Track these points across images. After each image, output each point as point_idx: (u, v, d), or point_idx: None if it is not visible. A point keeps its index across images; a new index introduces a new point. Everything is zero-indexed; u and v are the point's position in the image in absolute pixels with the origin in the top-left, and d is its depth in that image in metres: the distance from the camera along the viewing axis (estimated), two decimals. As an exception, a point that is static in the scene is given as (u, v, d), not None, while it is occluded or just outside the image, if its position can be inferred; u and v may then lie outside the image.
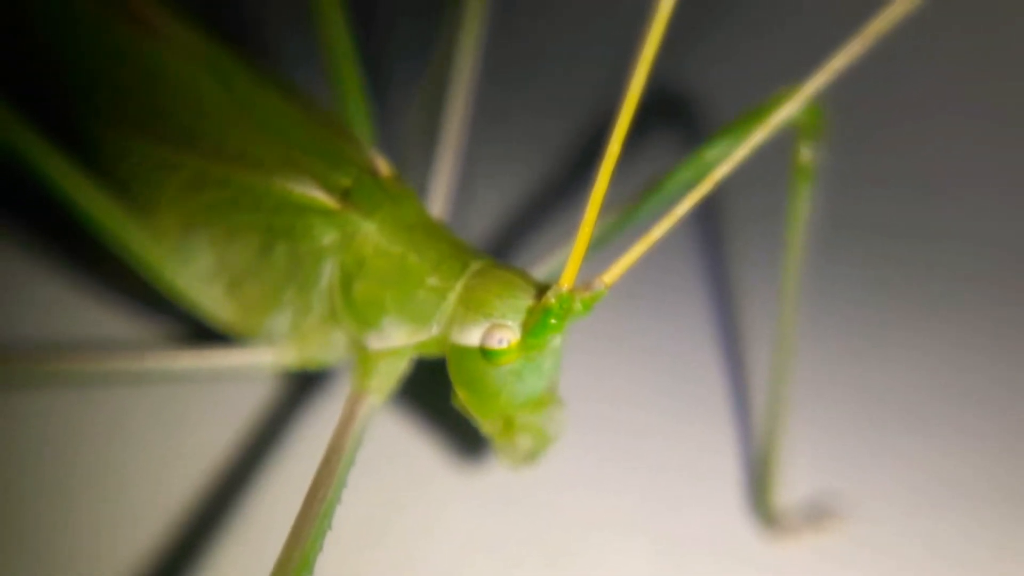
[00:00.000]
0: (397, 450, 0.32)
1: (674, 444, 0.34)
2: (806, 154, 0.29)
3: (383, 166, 0.28)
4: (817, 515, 0.32)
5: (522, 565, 0.30)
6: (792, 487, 0.32)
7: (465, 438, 0.32)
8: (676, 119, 0.44)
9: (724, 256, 0.41)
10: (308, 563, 0.22)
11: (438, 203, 0.33)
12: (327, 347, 0.28)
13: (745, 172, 0.21)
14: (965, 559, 0.31)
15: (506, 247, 0.40)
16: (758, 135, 0.22)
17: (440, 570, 0.30)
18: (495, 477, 0.32)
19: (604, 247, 0.29)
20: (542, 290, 0.25)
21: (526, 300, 0.24)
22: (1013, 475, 0.34)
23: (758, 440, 0.34)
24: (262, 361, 0.30)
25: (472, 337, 0.24)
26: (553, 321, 0.23)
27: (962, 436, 0.35)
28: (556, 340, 0.25)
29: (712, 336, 0.38)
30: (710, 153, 0.29)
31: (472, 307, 0.25)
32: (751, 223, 0.39)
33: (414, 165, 0.34)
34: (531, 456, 0.26)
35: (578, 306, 0.23)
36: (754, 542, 0.31)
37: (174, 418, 0.33)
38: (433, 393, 0.31)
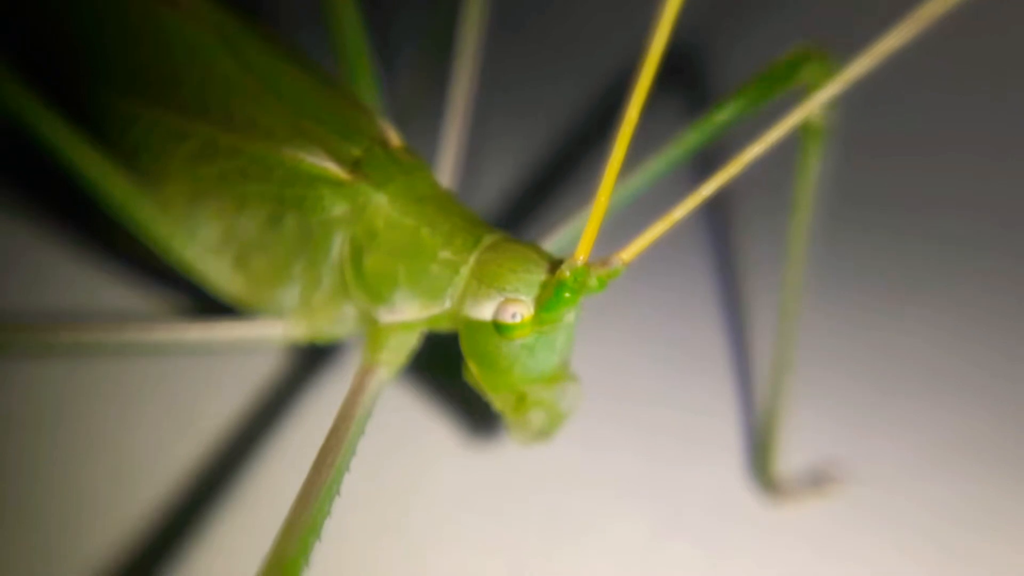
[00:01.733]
0: (407, 423, 0.32)
1: (677, 411, 0.34)
2: (816, 114, 0.29)
3: (394, 137, 0.28)
4: (817, 480, 0.32)
5: (527, 531, 0.30)
6: (793, 452, 0.32)
7: (476, 413, 0.32)
8: (684, 81, 0.44)
9: (729, 223, 0.40)
10: (316, 527, 0.22)
11: (446, 173, 0.32)
12: (337, 320, 0.28)
13: (754, 136, 0.21)
14: (963, 522, 0.31)
15: (515, 218, 0.39)
16: (786, 122, 0.21)
17: (447, 539, 0.30)
18: (505, 451, 0.32)
19: (613, 214, 0.29)
20: (556, 264, 0.24)
21: (540, 274, 0.24)
22: (1011, 440, 0.34)
23: (760, 406, 0.34)
24: (271, 334, 0.29)
25: (485, 311, 0.24)
26: (567, 295, 0.22)
27: (961, 402, 0.35)
28: (570, 315, 0.24)
29: (715, 304, 0.38)
30: (720, 116, 0.28)
31: (485, 281, 0.24)
32: (758, 189, 0.38)
33: (421, 134, 0.33)
34: (544, 432, 0.26)
35: (593, 282, 0.22)
36: (755, 506, 0.31)
37: (182, 390, 0.33)
38: (445, 367, 0.30)
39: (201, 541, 0.29)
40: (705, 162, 0.30)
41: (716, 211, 0.41)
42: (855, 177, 0.40)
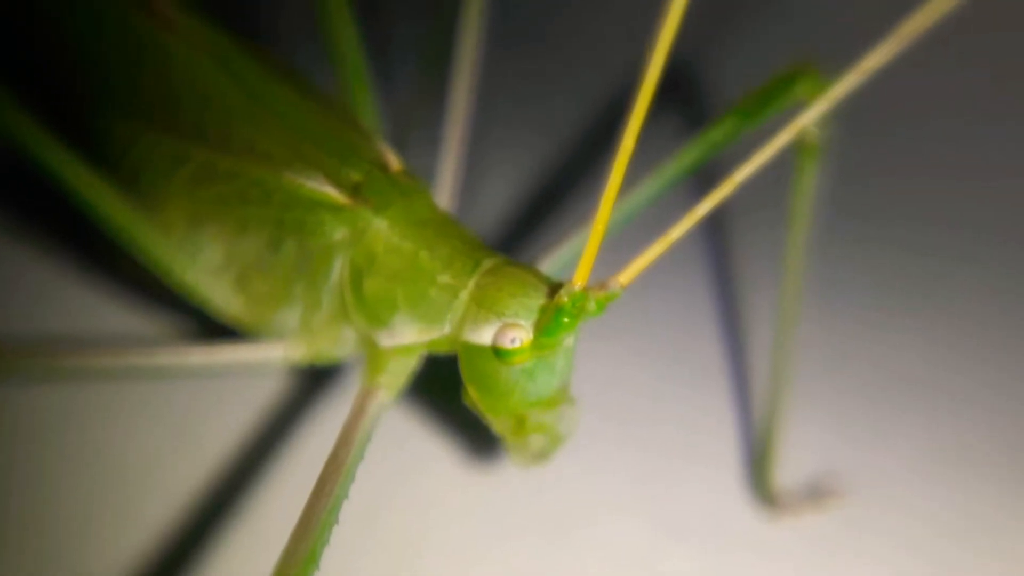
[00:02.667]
0: (407, 446, 0.32)
1: (675, 426, 0.34)
2: (811, 131, 0.29)
3: (393, 160, 0.28)
4: (816, 495, 0.32)
5: (526, 547, 0.30)
6: (790, 467, 0.32)
7: (475, 435, 0.32)
8: (680, 99, 0.44)
9: (726, 239, 0.40)
10: (315, 556, 0.22)
11: (444, 192, 0.33)
12: (337, 343, 0.28)
13: (748, 148, 0.21)
14: (960, 536, 0.31)
15: (513, 237, 0.40)
16: (776, 142, 0.21)
17: (445, 558, 0.30)
18: (503, 471, 0.32)
19: (610, 235, 0.29)
20: (554, 288, 0.24)
21: (538, 299, 0.24)
22: (1008, 453, 0.34)
23: (758, 421, 0.34)
24: (272, 356, 0.29)
25: (484, 336, 0.24)
26: (566, 320, 0.22)
27: (958, 416, 0.35)
28: (569, 339, 0.24)
29: (712, 319, 0.38)
30: (716, 135, 0.28)
31: (484, 306, 0.24)
32: (755, 203, 0.39)
33: (419, 153, 0.33)
34: (543, 455, 0.26)
35: (591, 306, 0.22)
36: (753, 521, 0.31)
37: (183, 413, 0.33)
38: (444, 390, 0.30)
39: (202, 565, 0.29)
40: (700, 179, 0.30)
41: (713, 227, 0.41)
42: (851, 192, 0.40)
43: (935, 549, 0.31)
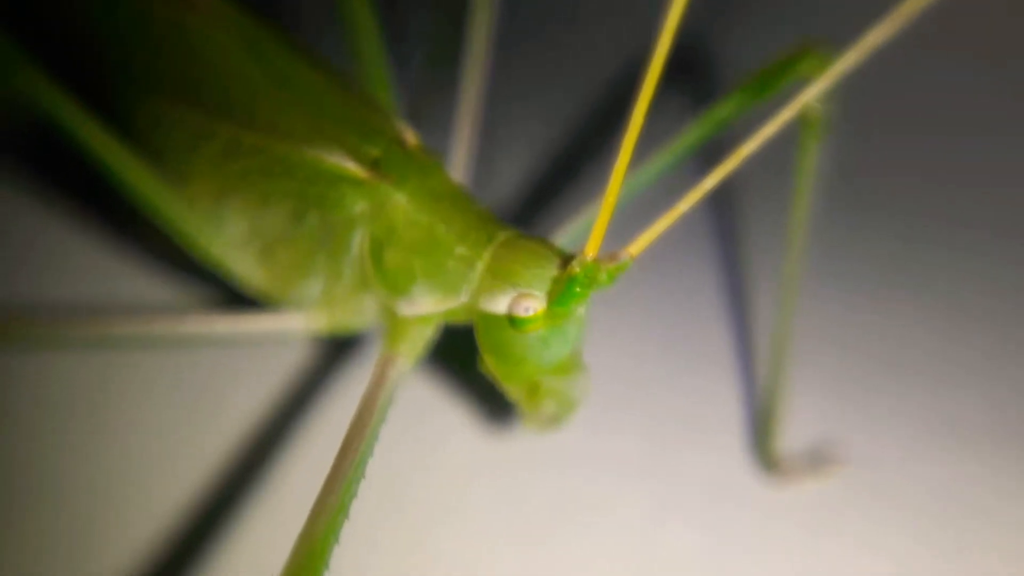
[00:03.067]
0: (424, 412, 0.33)
1: (679, 395, 0.35)
2: (815, 107, 0.29)
3: (410, 136, 0.29)
4: (816, 461, 0.33)
5: (535, 510, 0.31)
6: (792, 435, 0.33)
7: (490, 402, 0.33)
8: (687, 76, 0.44)
9: (730, 212, 0.41)
10: (344, 508, 0.23)
11: (458, 169, 0.33)
12: (358, 313, 0.29)
13: (754, 125, 0.22)
14: (959, 502, 0.32)
15: (525, 212, 0.40)
16: (782, 115, 0.22)
17: (460, 518, 0.31)
18: (517, 436, 0.33)
19: (619, 209, 0.29)
20: (566, 260, 0.25)
21: (551, 270, 0.25)
22: (1003, 421, 0.35)
23: (761, 388, 0.35)
24: (294, 326, 0.30)
25: (500, 305, 0.25)
26: (578, 290, 0.23)
27: (956, 386, 0.36)
28: (581, 308, 0.25)
29: (716, 290, 0.39)
30: (723, 111, 0.29)
31: (499, 276, 0.25)
32: (759, 180, 0.39)
33: (433, 131, 0.34)
34: (555, 420, 0.27)
35: (603, 276, 0.23)
36: (756, 486, 0.32)
37: (205, 382, 0.33)
38: (461, 358, 0.31)
39: (230, 527, 0.30)
40: (705, 154, 0.31)
41: (718, 203, 0.41)
42: (854, 168, 0.41)
43: (933, 513, 0.32)
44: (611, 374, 0.34)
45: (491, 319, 0.25)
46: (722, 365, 0.36)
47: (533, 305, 0.24)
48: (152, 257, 0.36)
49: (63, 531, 0.29)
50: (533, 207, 0.41)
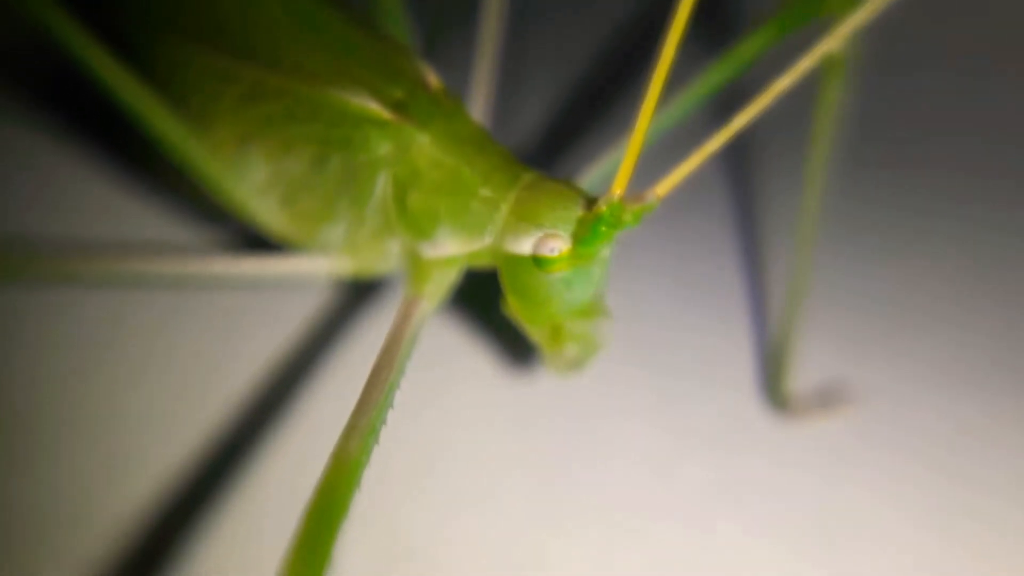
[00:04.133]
0: (447, 355, 0.33)
1: (693, 334, 0.35)
2: (837, 46, 0.29)
3: (433, 79, 0.29)
4: (827, 400, 0.33)
5: (552, 450, 0.31)
6: (803, 377, 0.34)
7: (512, 346, 0.33)
8: (709, 14, 0.44)
9: (747, 151, 0.41)
10: (366, 451, 0.23)
11: (477, 113, 0.33)
12: (381, 257, 0.29)
13: (774, 66, 0.22)
14: (970, 442, 0.33)
15: (544, 156, 0.40)
16: (813, 54, 0.22)
17: (481, 457, 0.31)
18: (537, 379, 0.33)
19: (642, 151, 0.29)
20: (591, 201, 0.25)
21: (576, 211, 0.25)
22: (1009, 363, 0.35)
23: (774, 328, 0.35)
24: (317, 270, 0.31)
25: (525, 246, 0.25)
26: (604, 230, 0.23)
27: (970, 327, 0.36)
28: (605, 250, 0.25)
29: (731, 228, 0.39)
30: (747, 49, 0.29)
31: (524, 217, 0.25)
32: (779, 118, 0.39)
33: (451, 74, 0.34)
34: (577, 363, 0.27)
35: (628, 216, 0.23)
36: (767, 425, 0.33)
37: (225, 322, 0.34)
38: (483, 303, 0.32)
39: (253, 463, 0.30)
40: (722, 96, 0.31)
41: (734, 143, 0.41)
42: (875, 112, 0.41)
43: (940, 454, 0.32)
44: (626, 316, 0.34)
45: (516, 260, 0.25)
46: (735, 306, 0.36)
47: (558, 245, 0.24)
48: (173, 200, 0.36)
49: (79, 468, 0.29)
50: (553, 150, 0.41)
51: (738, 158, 0.41)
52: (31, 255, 0.28)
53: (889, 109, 0.43)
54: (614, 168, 0.31)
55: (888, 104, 0.43)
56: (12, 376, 0.31)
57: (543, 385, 0.33)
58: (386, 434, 0.23)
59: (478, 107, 0.33)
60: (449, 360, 0.33)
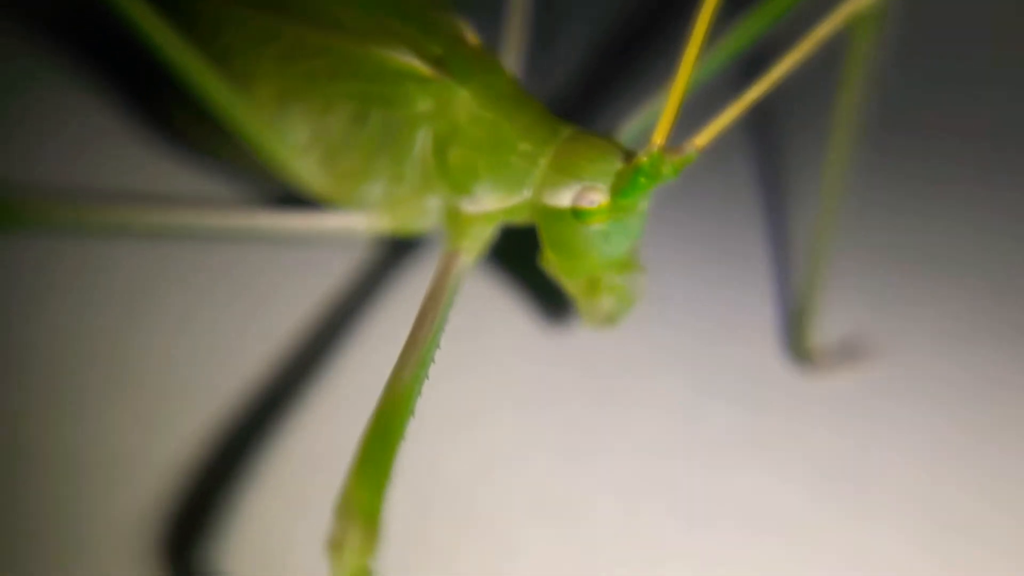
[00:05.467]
0: (485, 308, 0.34)
1: (717, 287, 0.36)
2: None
3: (471, 35, 0.29)
4: (849, 353, 0.34)
5: (583, 401, 0.32)
6: (825, 330, 0.34)
7: (548, 301, 0.34)
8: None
9: (772, 102, 0.41)
10: (409, 405, 0.23)
11: (509, 67, 0.33)
12: (420, 213, 0.30)
13: (801, 16, 0.22)
14: (991, 395, 0.33)
15: (577, 111, 0.40)
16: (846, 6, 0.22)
17: (513, 404, 0.32)
18: (571, 333, 0.34)
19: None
20: (629, 155, 0.25)
21: (615, 163, 0.25)
22: None
23: (798, 282, 0.35)
24: (356, 227, 0.31)
25: (564, 199, 0.25)
26: (643, 181, 0.24)
27: (996, 284, 0.36)
28: (643, 203, 0.26)
29: (754, 181, 0.39)
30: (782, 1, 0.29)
31: (563, 171, 0.26)
32: (804, 69, 0.39)
33: (483, 27, 0.34)
34: (613, 317, 0.27)
35: (668, 168, 0.23)
36: (789, 377, 0.33)
37: (264, 277, 0.34)
38: (520, 259, 0.32)
39: (287, 421, 0.31)
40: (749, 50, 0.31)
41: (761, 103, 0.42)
42: (907, 66, 0.41)
43: (961, 408, 0.33)
44: (651, 271, 0.35)
45: (555, 213, 0.26)
46: (759, 259, 0.37)
47: (597, 198, 0.25)
48: (207, 159, 0.37)
49: (108, 420, 0.30)
50: (586, 104, 0.41)
51: (763, 109, 0.41)
52: (73, 205, 0.29)
53: (921, 62, 0.43)
54: (648, 122, 0.31)
55: (920, 57, 0.43)
56: (56, 326, 0.32)
57: (577, 339, 0.33)
58: (427, 384, 0.24)
59: (511, 62, 0.34)
60: (488, 314, 0.34)
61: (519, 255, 0.31)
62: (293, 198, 0.33)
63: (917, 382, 0.33)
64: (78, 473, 0.29)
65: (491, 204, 0.28)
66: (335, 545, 0.19)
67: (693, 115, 0.24)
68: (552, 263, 0.27)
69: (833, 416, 0.32)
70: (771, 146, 0.41)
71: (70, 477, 0.29)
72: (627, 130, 0.31)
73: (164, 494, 0.28)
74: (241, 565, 0.27)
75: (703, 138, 0.23)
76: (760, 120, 0.42)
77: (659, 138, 0.23)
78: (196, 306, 0.33)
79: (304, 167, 0.31)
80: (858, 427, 0.32)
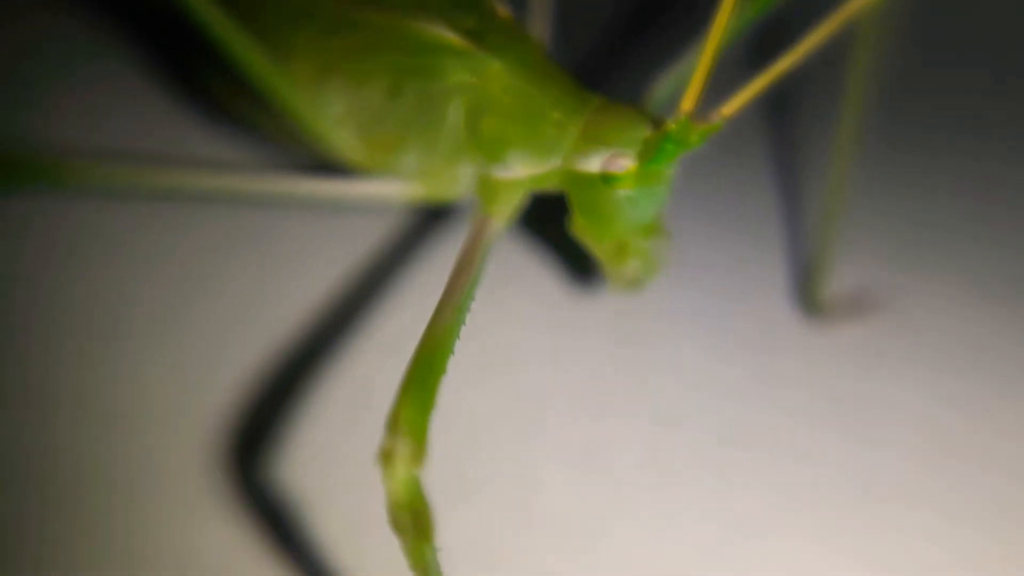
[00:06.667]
0: (514, 273, 0.35)
1: (727, 240, 0.37)
2: None
3: (502, 9, 0.30)
4: (859, 306, 0.35)
5: (602, 354, 0.34)
6: (836, 283, 0.35)
7: (576, 267, 0.35)
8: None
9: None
10: (450, 342, 0.25)
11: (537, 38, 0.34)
12: (453, 181, 0.31)
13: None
14: (1000, 349, 0.34)
15: (603, 81, 0.41)
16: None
17: (537, 360, 0.33)
18: (596, 297, 0.35)
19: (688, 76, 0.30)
20: (657, 122, 0.26)
21: (643, 131, 0.26)
22: None
23: (810, 234, 0.36)
24: (390, 194, 0.32)
25: (593, 165, 0.27)
26: (671, 147, 0.25)
27: (1006, 239, 0.37)
28: (669, 170, 0.27)
29: (768, 133, 0.40)
30: None
31: (593, 139, 0.27)
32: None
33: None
34: (639, 281, 0.29)
35: (694, 137, 0.24)
36: (798, 328, 0.34)
37: (294, 245, 0.35)
38: (551, 228, 0.33)
39: (318, 381, 0.32)
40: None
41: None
42: (922, 25, 0.41)
43: (969, 363, 0.34)
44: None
45: (585, 179, 0.27)
46: (772, 220, 0.38)
47: (626, 163, 0.26)
48: (247, 127, 0.38)
49: (134, 382, 0.31)
50: (610, 75, 0.41)
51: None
52: (112, 167, 0.30)
53: (939, 26, 0.44)
54: (673, 92, 0.32)
55: (938, 21, 0.44)
56: (91, 284, 0.33)
57: (603, 303, 0.35)
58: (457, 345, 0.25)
59: (539, 33, 0.34)
60: (518, 279, 0.35)
61: (549, 223, 0.32)
62: (327, 166, 0.34)
63: (927, 333, 0.34)
64: (150, 396, 0.31)
65: (523, 171, 0.29)
66: (386, 456, 0.21)
67: (712, 88, 0.25)
68: (581, 229, 0.28)
69: (842, 365, 0.33)
70: (783, 94, 0.41)
71: (144, 400, 0.31)
72: (652, 100, 0.32)
73: (231, 414, 0.31)
74: (302, 476, 0.30)
75: (730, 107, 0.24)
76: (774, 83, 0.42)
77: (688, 104, 0.24)
78: (241, 264, 0.35)
79: (340, 138, 0.32)
80: (865, 375, 0.33)
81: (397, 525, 0.21)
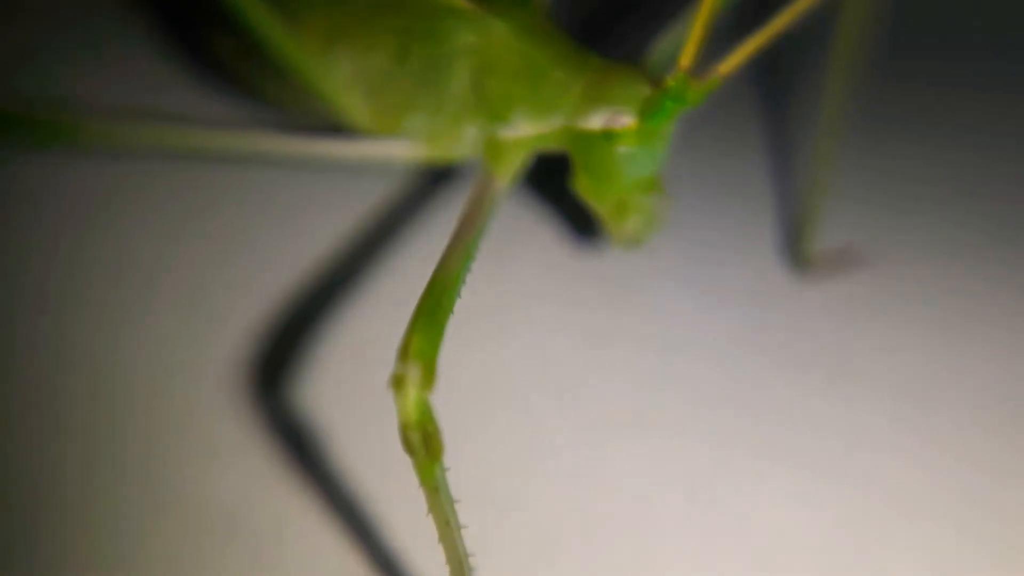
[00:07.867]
0: (518, 231, 0.36)
1: (719, 198, 0.38)
2: None
3: None
4: (847, 261, 0.36)
5: (598, 308, 0.35)
6: (824, 238, 0.36)
7: (577, 226, 0.36)
8: None
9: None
10: (443, 321, 0.25)
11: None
12: (458, 142, 0.32)
13: None
14: (988, 308, 0.35)
15: (601, 43, 0.42)
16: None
17: (536, 318, 0.34)
18: (592, 255, 0.36)
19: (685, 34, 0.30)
20: (656, 81, 0.27)
21: (643, 90, 0.27)
22: None
23: (800, 188, 0.37)
24: (396, 154, 0.33)
25: (595, 122, 0.28)
26: (669, 104, 0.26)
27: (994, 198, 0.38)
28: (667, 128, 0.28)
29: (759, 93, 0.40)
30: None
31: (594, 98, 0.28)
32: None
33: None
34: (639, 237, 0.30)
35: (692, 95, 0.25)
36: (786, 284, 0.35)
37: (295, 204, 0.36)
38: (553, 188, 0.34)
39: (321, 336, 0.33)
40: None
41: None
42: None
43: (952, 316, 0.35)
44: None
45: (586, 136, 0.28)
46: (760, 167, 0.38)
47: (626, 120, 0.27)
48: (251, 94, 0.38)
49: (136, 340, 0.32)
50: (610, 36, 0.42)
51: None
52: (119, 125, 0.31)
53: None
54: (672, 52, 0.33)
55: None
56: (98, 245, 0.34)
57: (602, 260, 0.36)
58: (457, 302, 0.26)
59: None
60: (521, 236, 0.36)
61: (552, 183, 0.33)
62: (334, 129, 0.35)
63: (913, 291, 0.35)
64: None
65: (526, 131, 0.30)
66: (398, 381, 0.22)
67: (709, 50, 0.25)
68: (584, 187, 0.29)
69: (828, 317, 0.34)
70: (775, 68, 0.42)
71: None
72: (651, 61, 0.33)
73: (253, 343, 0.32)
74: (320, 400, 0.31)
75: (727, 65, 0.25)
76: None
77: (686, 60, 0.24)
78: (246, 219, 0.36)
79: (348, 101, 0.33)
80: (851, 326, 0.34)
81: (408, 446, 0.22)
